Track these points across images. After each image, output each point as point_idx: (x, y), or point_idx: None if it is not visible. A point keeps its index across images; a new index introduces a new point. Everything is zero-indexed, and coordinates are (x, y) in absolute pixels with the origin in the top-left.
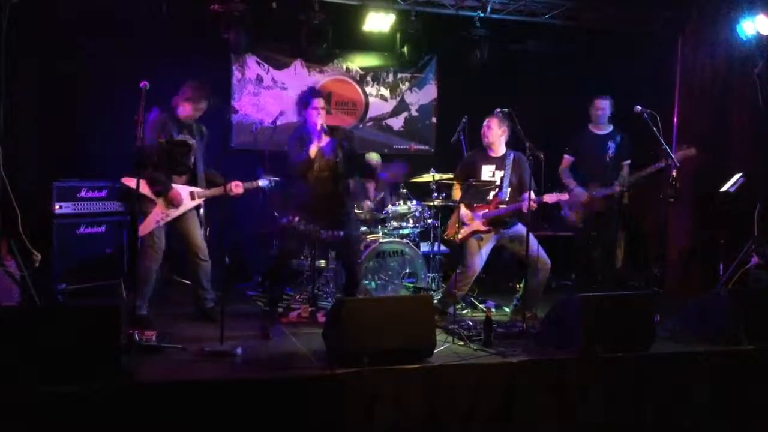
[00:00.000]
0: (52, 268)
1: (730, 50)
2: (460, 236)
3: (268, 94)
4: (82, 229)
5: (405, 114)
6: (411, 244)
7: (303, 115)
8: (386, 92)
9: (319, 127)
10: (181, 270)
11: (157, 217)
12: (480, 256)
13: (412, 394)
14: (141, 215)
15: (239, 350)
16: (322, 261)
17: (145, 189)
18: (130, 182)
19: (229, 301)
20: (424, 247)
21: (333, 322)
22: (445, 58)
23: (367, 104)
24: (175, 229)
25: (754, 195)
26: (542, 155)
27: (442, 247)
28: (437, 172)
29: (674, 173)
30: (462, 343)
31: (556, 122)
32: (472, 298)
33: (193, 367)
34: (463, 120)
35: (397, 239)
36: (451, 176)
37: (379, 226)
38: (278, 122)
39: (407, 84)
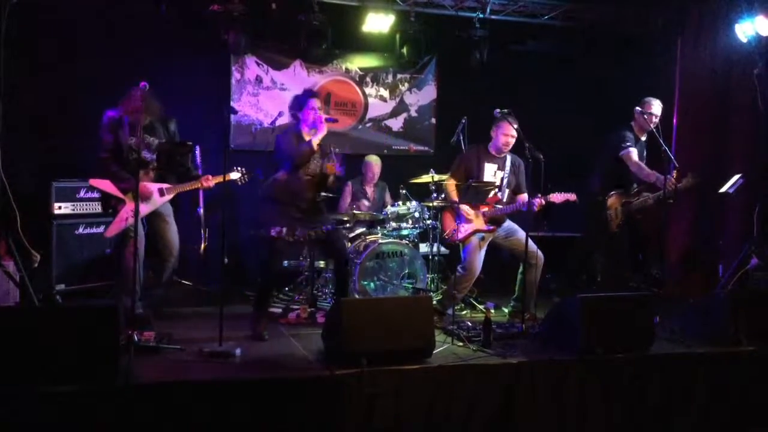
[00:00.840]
0: (51, 268)
1: (729, 51)
2: (461, 235)
3: (267, 94)
4: (81, 230)
5: (404, 115)
6: (410, 244)
7: (298, 116)
8: (385, 93)
9: (322, 120)
10: (180, 270)
11: (126, 214)
12: (480, 256)
13: (412, 395)
14: (113, 215)
15: (238, 351)
16: (321, 262)
17: (111, 188)
18: (97, 183)
19: (228, 301)
20: (423, 247)
21: (332, 322)
22: (445, 58)
23: (366, 105)
24: (151, 227)
25: (754, 196)
26: (542, 156)
27: (442, 248)
28: (436, 173)
29: (674, 174)
30: (461, 343)
31: (556, 123)
32: (471, 299)
33: (191, 367)
34: (463, 121)
35: (396, 240)
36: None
37: (378, 227)
38: (277, 123)
39: (407, 85)
